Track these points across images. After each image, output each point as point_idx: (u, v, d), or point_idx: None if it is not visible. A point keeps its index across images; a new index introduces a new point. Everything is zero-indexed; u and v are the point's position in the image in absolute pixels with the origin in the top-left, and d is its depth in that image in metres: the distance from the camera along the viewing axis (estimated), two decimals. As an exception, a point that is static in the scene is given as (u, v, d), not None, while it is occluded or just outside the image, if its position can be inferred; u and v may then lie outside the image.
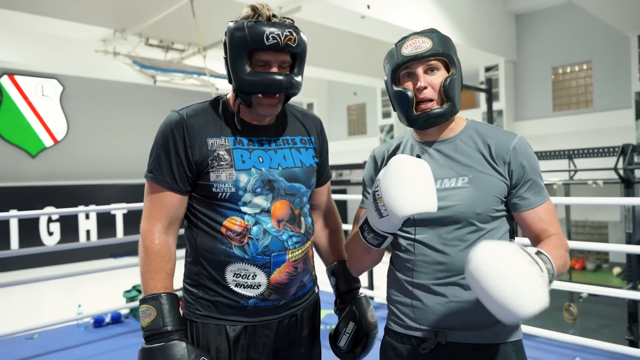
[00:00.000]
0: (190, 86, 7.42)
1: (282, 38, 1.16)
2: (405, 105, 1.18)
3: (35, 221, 7.73)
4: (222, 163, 1.21)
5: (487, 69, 8.16)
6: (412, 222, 1.19)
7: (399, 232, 1.22)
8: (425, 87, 1.16)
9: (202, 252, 1.25)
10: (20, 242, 7.54)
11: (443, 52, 1.16)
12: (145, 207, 1.25)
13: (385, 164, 1.19)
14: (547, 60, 7.86)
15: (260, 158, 1.25)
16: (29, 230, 7.67)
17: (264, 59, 1.18)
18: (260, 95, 1.20)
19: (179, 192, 1.23)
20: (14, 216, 4.07)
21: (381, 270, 1.80)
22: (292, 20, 1.22)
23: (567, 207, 4.87)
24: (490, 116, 5.23)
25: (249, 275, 1.23)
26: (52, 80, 9.02)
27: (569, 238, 4.75)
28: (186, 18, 5.69)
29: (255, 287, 1.24)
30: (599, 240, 7.40)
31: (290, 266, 1.27)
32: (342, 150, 10.81)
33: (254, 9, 1.19)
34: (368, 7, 5.63)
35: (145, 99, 9.78)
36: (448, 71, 1.19)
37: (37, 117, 8.91)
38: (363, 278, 5.12)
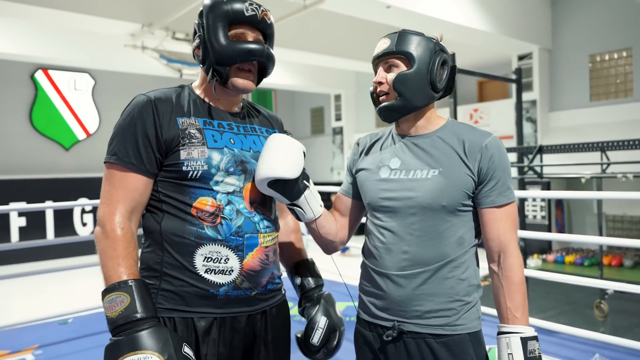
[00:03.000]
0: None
1: (259, 12, 1.25)
2: (372, 99, 1.32)
3: (69, 212, 7.98)
4: (193, 141, 1.20)
5: (520, 58, 7.86)
6: (382, 208, 1.27)
7: (371, 218, 1.32)
8: (380, 83, 1.27)
9: (168, 237, 1.19)
10: (56, 233, 7.81)
11: (397, 51, 1.24)
12: (105, 192, 1.18)
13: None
14: (585, 47, 7.51)
15: (231, 140, 1.26)
16: (64, 220, 7.92)
17: (241, 31, 1.24)
18: (237, 67, 1.24)
19: (145, 174, 1.18)
20: (49, 207, 4.24)
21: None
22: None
23: (599, 202, 4.65)
24: (519, 107, 5.04)
25: (221, 258, 1.19)
26: (84, 74, 9.24)
27: (600, 233, 4.54)
28: (211, 11, 5.70)
29: (228, 272, 1.20)
30: (638, 237, 7.08)
31: (262, 252, 1.25)
32: (369, 141, 10.70)
33: None
34: (394, -4, 5.49)
35: (174, 92, 9.92)
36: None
37: (70, 110, 9.16)
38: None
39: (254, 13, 1.23)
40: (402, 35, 1.25)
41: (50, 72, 8.89)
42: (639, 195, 2.76)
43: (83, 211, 8.16)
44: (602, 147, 4.51)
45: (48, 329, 3.82)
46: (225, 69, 1.23)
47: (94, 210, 8.24)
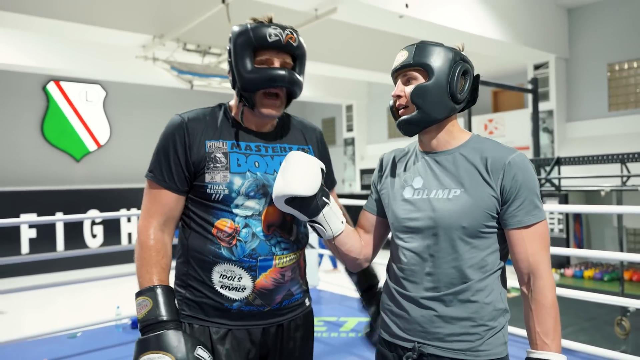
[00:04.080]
0: (227, 90, 7.43)
1: (284, 36, 1.27)
2: (392, 113, 1.30)
3: (79, 224, 7.96)
4: (217, 165, 1.27)
5: (537, 67, 7.72)
6: (405, 229, 1.25)
7: (394, 239, 1.30)
8: (399, 96, 1.24)
9: (192, 253, 1.31)
10: (66, 244, 7.79)
11: (414, 63, 1.21)
12: (144, 205, 1.32)
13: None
14: (602, 56, 7.36)
15: (256, 163, 1.31)
16: (74, 232, 7.91)
17: (266, 57, 1.27)
18: (263, 93, 1.27)
19: (176, 192, 1.29)
20: (59, 220, 4.20)
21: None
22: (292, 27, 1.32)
23: (620, 215, 4.48)
24: (536, 117, 4.91)
25: (235, 277, 1.28)
26: (95, 85, 9.31)
27: (621, 248, 4.37)
28: (222, 23, 5.67)
29: (240, 289, 1.28)
30: (660, 250, 6.86)
31: (277, 272, 1.31)
32: (382, 152, 10.60)
33: (254, 19, 1.31)
34: (406, 5, 5.41)
35: (183, 103, 9.91)
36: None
37: (82, 122, 9.21)
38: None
39: (277, 38, 1.26)
40: (420, 47, 1.22)
41: (62, 83, 8.96)
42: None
43: (93, 223, 8.14)
44: (623, 158, 4.38)
45: (57, 343, 3.78)
46: (251, 94, 1.27)
47: (103, 222, 8.22)
